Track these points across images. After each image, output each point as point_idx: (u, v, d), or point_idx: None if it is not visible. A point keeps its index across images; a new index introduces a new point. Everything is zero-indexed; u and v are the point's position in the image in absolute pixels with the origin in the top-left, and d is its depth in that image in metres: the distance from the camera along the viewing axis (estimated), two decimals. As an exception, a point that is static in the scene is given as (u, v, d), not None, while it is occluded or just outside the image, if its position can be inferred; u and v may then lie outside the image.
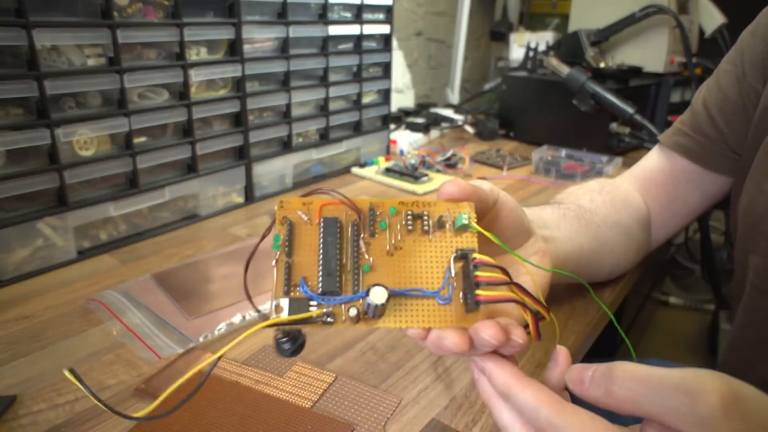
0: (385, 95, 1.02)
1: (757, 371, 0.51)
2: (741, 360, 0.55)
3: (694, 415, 0.23)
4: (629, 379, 0.25)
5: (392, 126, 1.16)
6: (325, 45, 0.86)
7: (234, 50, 0.74)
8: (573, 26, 1.29)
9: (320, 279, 0.29)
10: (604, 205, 0.54)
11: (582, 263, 0.50)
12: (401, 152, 1.06)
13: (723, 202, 0.59)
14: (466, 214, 0.30)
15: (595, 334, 0.56)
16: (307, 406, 0.41)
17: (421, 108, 1.38)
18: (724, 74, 0.54)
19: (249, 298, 0.30)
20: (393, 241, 0.30)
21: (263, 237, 0.30)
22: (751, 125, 0.51)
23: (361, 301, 0.28)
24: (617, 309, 0.61)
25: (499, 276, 0.28)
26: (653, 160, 0.61)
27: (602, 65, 1.15)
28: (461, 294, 0.29)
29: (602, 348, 0.61)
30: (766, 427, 0.23)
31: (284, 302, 0.28)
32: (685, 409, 0.23)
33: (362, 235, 0.30)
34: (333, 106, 0.92)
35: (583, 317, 0.55)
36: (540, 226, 0.44)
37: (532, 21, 1.69)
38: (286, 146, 0.85)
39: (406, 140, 1.11)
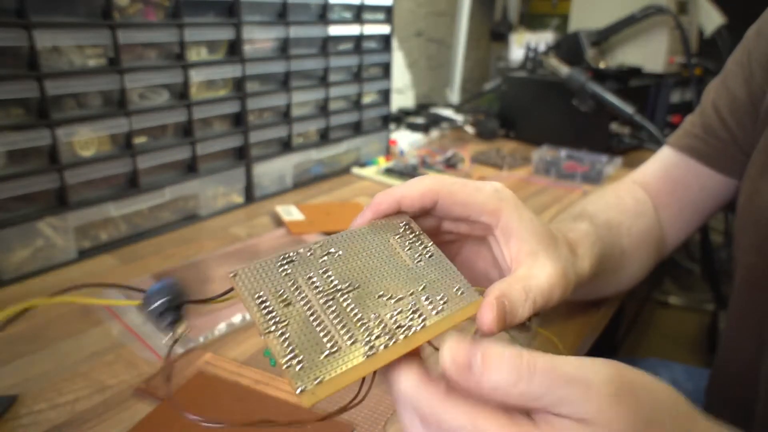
0: (385, 95, 1.02)
1: (751, 365, 0.51)
2: (735, 355, 0.55)
3: (591, 403, 0.23)
4: (536, 372, 0.23)
5: (392, 126, 1.16)
6: (325, 45, 0.87)
7: (234, 50, 0.74)
8: (573, 26, 1.29)
9: None
10: (628, 223, 0.51)
11: (595, 283, 0.46)
12: (401, 152, 1.06)
13: (725, 204, 0.59)
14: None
15: (594, 335, 0.56)
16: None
17: (421, 108, 1.38)
18: (731, 76, 0.53)
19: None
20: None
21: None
22: (758, 125, 0.51)
23: None
24: (617, 309, 0.61)
25: None
26: (662, 166, 0.59)
27: (602, 65, 1.15)
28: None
29: (602, 348, 0.61)
30: (657, 409, 0.24)
31: None
32: (580, 399, 0.23)
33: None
34: (333, 106, 0.92)
35: (581, 317, 0.55)
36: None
37: (532, 21, 1.69)
38: (286, 146, 0.85)
39: (406, 140, 1.12)
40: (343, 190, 0.89)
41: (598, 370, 0.23)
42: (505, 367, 0.23)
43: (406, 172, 0.93)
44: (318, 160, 0.92)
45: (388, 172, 0.94)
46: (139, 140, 0.66)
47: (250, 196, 0.81)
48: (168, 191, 0.70)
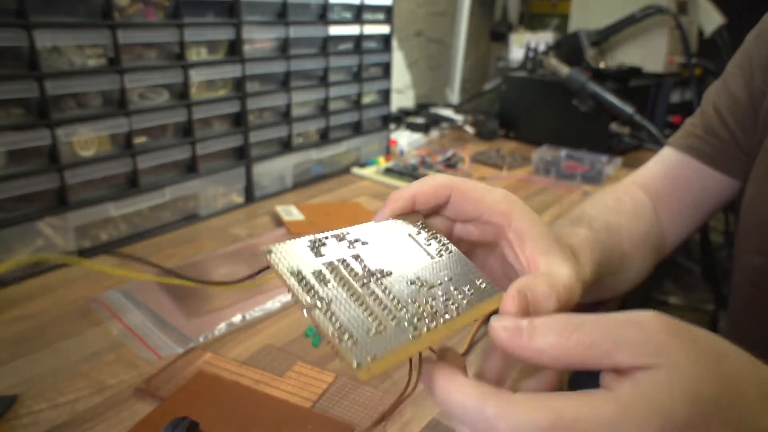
0: (385, 95, 1.02)
1: None
2: None
3: (650, 343, 0.23)
4: (586, 322, 0.24)
5: (392, 126, 1.16)
6: (325, 45, 0.87)
7: (234, 50, 0.74)
8: (573, 26, 1.29)
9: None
10: (628, 226, 0.51)
11: (596, 287, 0.46)
12: (401, 152, 1.06)
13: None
14: None
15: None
16: (307, 406, 0.41)
17: (421, 108, 1.38)
18: (732, 78, 0.54)
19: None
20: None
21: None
22: (759, 127, 0.51)
23: None
24: (617, 309, 0.61)
25: None
26: (663, 166, 0.59)
27: (602, 65, 1.15)
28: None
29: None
30: (716, 346, 0.24)
31: None
32: (639, 339, 0.23)
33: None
34: (333, 106, 0.92)
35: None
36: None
37: (532, 21, 1.69)
38: (286, 146, 0.85)
39: (406, 140, 1.12)
40: (343, 190, 0.89)
41: (644, 313, 0.24)
42: (553, 324, 0.24)
43: (406, 172, 0.93)
44: (318, 160, 0.92)
45: (388, 172, 0.94)
46: (139, 140, 0.66)
47: (250, 196, 0.81)
48: (168, 191, 0.70)
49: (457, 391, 0.24)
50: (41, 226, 0.59)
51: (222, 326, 0.50)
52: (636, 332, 0.23)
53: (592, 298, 0.53)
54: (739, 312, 0.54)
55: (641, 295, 1.53)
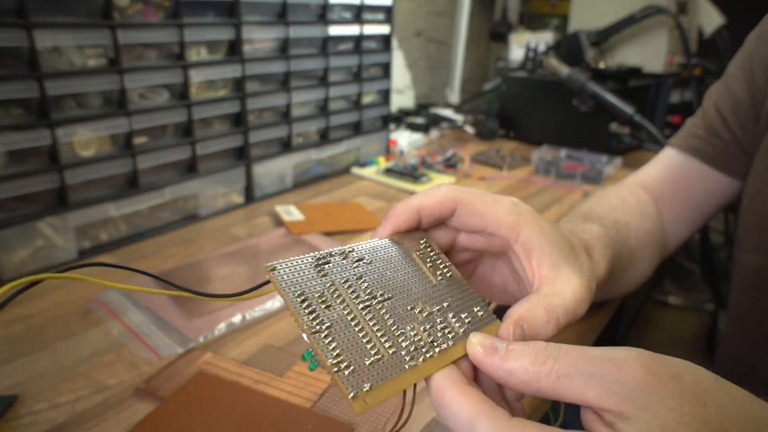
0: (385, 95, 1.02)
1: (751, 365, 0.51)
2: (736, 355, 0.55)
3: (623, 384, 0.22)
4: (563, 351, 0.23)
5: (392, 126, 1.16)
6: (325, 45, 0.87)
7: (234, 50, 0.74)
8: (573, 27, 1.29)
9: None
10: (634, 224, 0.51)
11: (607, 285, 0.46)
12: (401, 152, 1.06)
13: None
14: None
15: (594, 336, 0.56)
16: (307, 406, 0.41)
17: (421, 108, 1.38)
18: (733, 79, 0.54)
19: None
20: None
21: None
22: (760, 127, 0.51)
23: None
24: (617, 309, 0.61)
25: None
26: (665, 167, 0.59)
27: (602, 66, 1.15)
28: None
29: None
30: (702, 387, 0.23)
31: None
32: (613, 378, 0.22)
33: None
34: (333, 106, 0.92)
35: (581, 319, 0.55)
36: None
37: (532, 21, 1.69)
38: (286, 146, 0.85)
39: (406, 140, 1.12)
40: (343, 190, 0.89)
41: (626, 351, 0.23)
42: (530, 349, 0.23)
43: (406, 172, 0.93)
44: (318, 160, 0.92)
45: (388, 172, 0.94)
46: (139, 140, 0.66)
47: (250, 196, 0.81)
48: (168, 191, 0.70)
49: (454, 399, 0.23)
50: (41, 226, 0.59)
51: (222, 326, 0.50)
52: (612, 370, 0.22)
53: (603, 296, 0.53)
54: (739, 312, 0.54)
55: (641, 296, 1.53)
